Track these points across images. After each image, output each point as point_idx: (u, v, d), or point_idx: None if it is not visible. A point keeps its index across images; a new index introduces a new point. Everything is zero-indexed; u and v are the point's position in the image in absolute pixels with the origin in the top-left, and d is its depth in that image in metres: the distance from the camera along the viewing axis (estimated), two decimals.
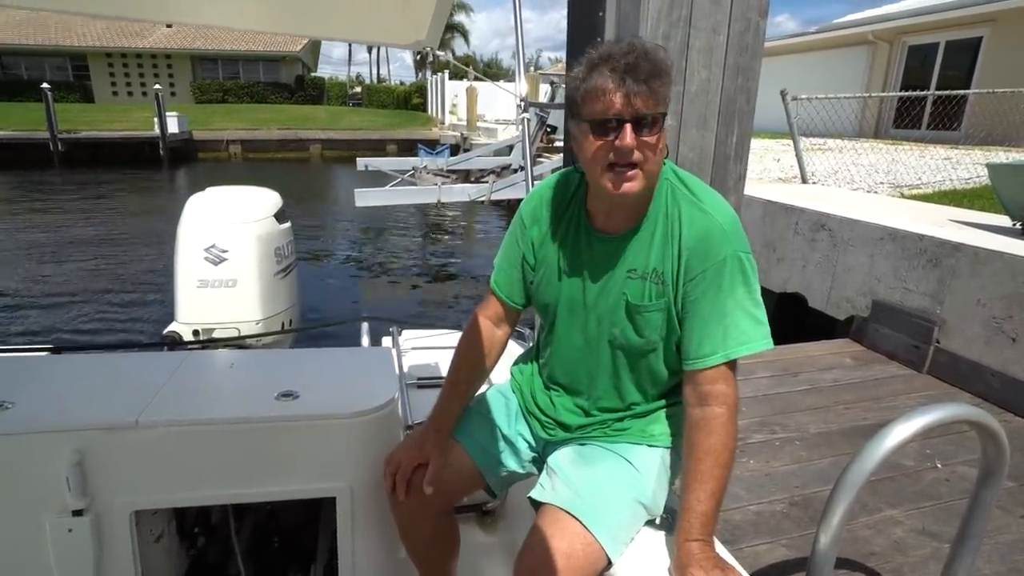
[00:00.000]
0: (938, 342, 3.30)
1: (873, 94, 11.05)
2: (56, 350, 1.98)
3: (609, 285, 1.16)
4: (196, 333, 2.91)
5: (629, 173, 1.04)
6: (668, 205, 1.12)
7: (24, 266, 8.07)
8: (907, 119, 11.43)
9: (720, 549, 1.15)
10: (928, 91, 10.41)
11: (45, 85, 19.36)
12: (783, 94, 5.81)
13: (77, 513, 1.23)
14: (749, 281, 1.09)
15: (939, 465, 2.46)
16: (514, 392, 1.37)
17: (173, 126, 20.76)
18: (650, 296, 1.12)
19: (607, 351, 1.19)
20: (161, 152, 20.33)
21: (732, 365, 1.10)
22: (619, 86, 0.99)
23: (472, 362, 1.32)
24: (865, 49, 13.36)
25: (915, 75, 12.48)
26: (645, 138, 1.02)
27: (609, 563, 1.05)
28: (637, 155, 1.02)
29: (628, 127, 1.00)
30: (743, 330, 1.08)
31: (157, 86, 21.06)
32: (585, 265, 1.18)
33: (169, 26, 26.24)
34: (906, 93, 9.38)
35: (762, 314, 1.11)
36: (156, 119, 20.24)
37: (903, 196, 5.55)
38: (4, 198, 13.79)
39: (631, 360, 1.18)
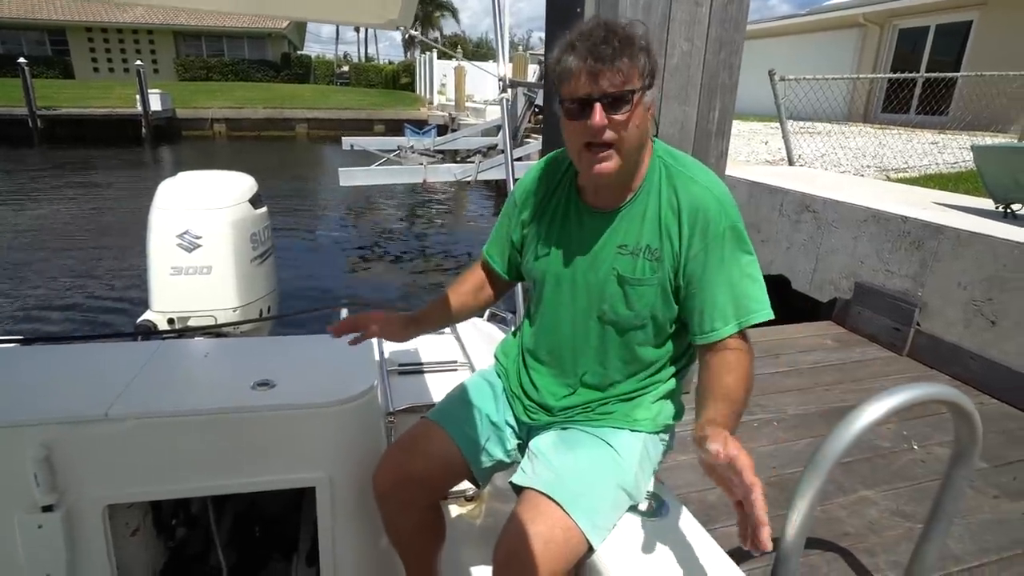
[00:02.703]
0: (919, 324, 3.30)
1: (861, 75, 11.02)
2: (26, 341, 1.94)
3: (599, 259, 1.16)
4: (171, 321, 2.85)
5: (603, 153, 1.04)
6: (661, 181, 1.12)
7: None
8: (896, 103, 11.42)
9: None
10: (916, 74, 10.37)
11: (22, 60, 18.84)
12: (771, 75, 5.76)
13: (47, 509, 1.21)
14: (749, 249, 1.11)
15: (915, 447, 2.47)
16: (499, 376, 1.36)
17: (156, 104, 20.30)
18: (643, 271, 1.12)
19: (596, 326, 1.18)
20: (143, 130, 19.91)
21: (745, 332, 1.10)
22: (586, 66, 1.00)
23: (455, 294, 1.39)
24: (856, 32, 13.30)
25: (905, 59, 12.44)
26: (616, 117, 1.01)
27: (591, 548, 1.04)
28: (610, 134, 1.02)
29: (598, 106, 1.00)
30: (752, 297, 1.09)
31: (139, 62, 20.53)
32: (575, 239, 1.18)
33: None
34: (895, 75, 9.32)
35: (762, 281, 1.12)
36: (138, 96, 19.79)
37: (889, 179, 5.54)
38: None
39: (619, 335, 1.17)
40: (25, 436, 1.18)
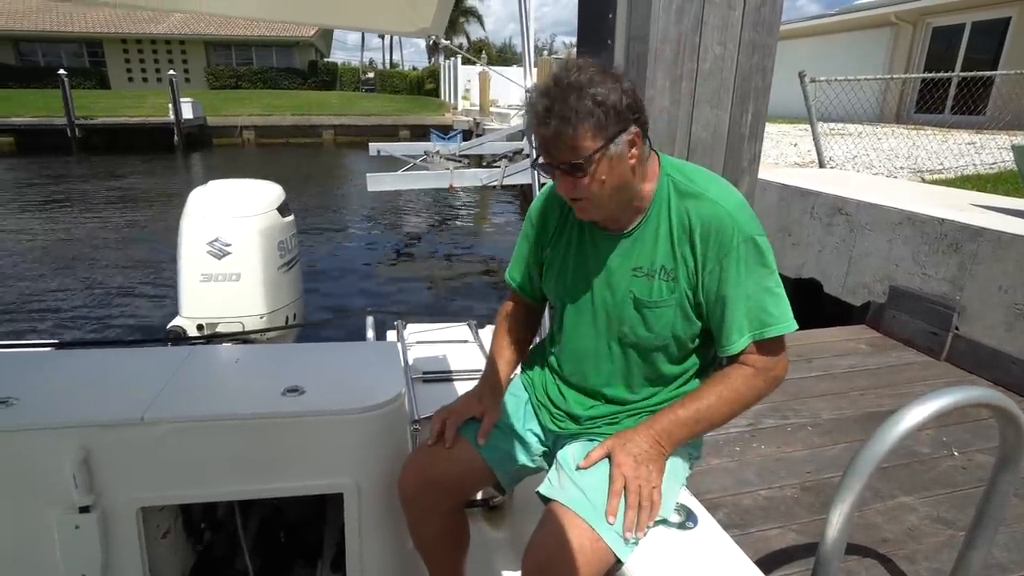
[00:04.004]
0: (957, 329, 3.23)
1: (894, 76, 10.79)
2: (60, 345, 1.97)
3: (615, 283, 1.17)
4: (200, 328, 2.88)
5: (579, 204, 1.10)
6: (671, 200, 1.12)
7: (31, 257, 8.08)
8: (930, 103, 11.15)
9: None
10: (951, 73, 10.12)
11: (62, 71, 19.50)
12: (801, 76, 5.69)
13: (84, 510, 1.23)
14: (767, 262, 1.09)
15: (956, 453, 2.41)
16: (525, 387, 1.37)
17: (188, 112, 20.85)
18: (660, 292, 1.12)
19: (617, 349, 1.19)
20: (176, 138, 20.43)
21: (766, 345, 1.11)
22: (541, 136, 1.04)
23: (508, 335, 1.39)
24: (887, 31, 13.04)
25: (939, 58, 12.15)
26: (576, 180, 1.04)
27: (619, 561, 1.04)
28: (578, 192, 1.06)
29: (558, 173, 1.06)
30: (767, 311, 1.09)
31: (172, 72, 21.11)
32: (591, 264, 1.20)
33: None
34: (929, 75, 9.11)
35: (783, 294, 1.11)
36: (171, 105, 20.34)
37: (924, 181, 5.42)
38: (23, 184, 13.98)
39: (642, 357, 1.18)
40: (65, 438, 1.20)
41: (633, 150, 1.05)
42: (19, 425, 1.21)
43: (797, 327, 1.10)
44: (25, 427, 1.21)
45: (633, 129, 1.03)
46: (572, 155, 1.01)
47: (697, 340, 1.17)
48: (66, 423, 1.22)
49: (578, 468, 1.12)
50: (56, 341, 2.14)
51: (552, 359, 1.31)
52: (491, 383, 1.32)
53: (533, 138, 1.07)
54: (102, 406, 1.29)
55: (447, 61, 30.58)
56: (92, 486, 1.23)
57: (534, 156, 1.15)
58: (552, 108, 0.99)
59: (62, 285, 7.00)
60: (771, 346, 1.11)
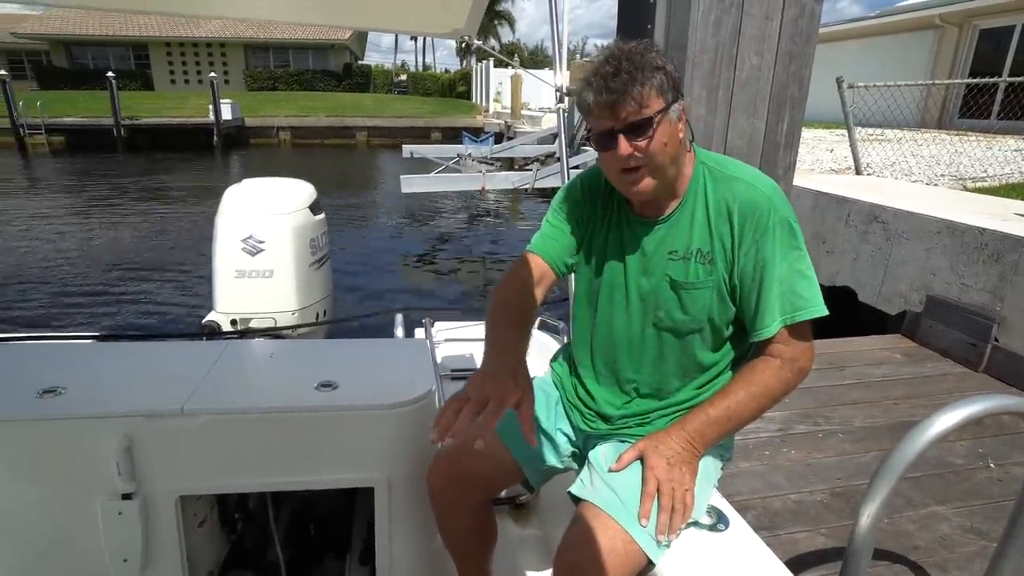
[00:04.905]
0: (996, 340, 3.17)
1: (936, 82, 10.52)
2: (101, 338, 2.01)
3: (651, 267, 1.17)
4: (234, 323, 2.96)
5: (636, 176, 1.08)
6: (706, 186, 1.14)
7: (75, 251, 8.40)
8: (975, 108, 10.81)
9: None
10: (999, 78, 9.81)
11: (110, 74, 20.32)
12: (839, 82, 5.61)
13: (126, 497, 1.27)
14: (800, 245, 1.10)
15: (992, 465, 2.39)
16: (555, 385, 1.37)
17: (227, 113, 21.49)
18: (696, 274, 1.13)
19: (652, 333, 1.19)
20: (215, 139, 21.08)
21: (796, 330, 1.11)
22: (603, 100, 1.04)
23: (511, 303, 1.23)
24: (931, 34, 12.70)
25: (986, 61, 11.78)
26: (640, 142, 1.05)
27: (651, 563, 1.04)
28: (638, 158, 1.06)
29: (621, 138, 1.05)
30: (800, 294, 1.09)
31: (212, 74, 21.77)
32: (627, 249, 1.20)
33: None
34: (974, 80, 8.85)
35: (815, 278, 1.12)
36: (211, 106, 20.97)
37: (965, 189, 5.31)
38: (71, 181, 14.58)
39: (676, 342, 1.18)
40: (110, 427, 1.24)
41: (681, 124, 1.09)
42: (68, 414, 1.26)
43: (827, 313, 1.10)
44: (72, 416, 1.26)
45: (682, 103, 1.08)
46: (638, 113, 1.03)
47: (731, 327, 1.17)
48: (111, 413, 1.26)
49: (610, 470, 1.12)
50: (97, 333, 2.19)
51: (582, 352, 1.30)
52: (517, 354, 1.10)
53: (591, 107, 1.06)
54: (144, 397, 1.33)
55: (479, 64, 30.80)
56: (134, 474, 1.27)
57: (584, 133, 1.16)
58: (620, 68, 1.02)
59: (104, 278, 7.28)
60: (800, 332, 1.11)
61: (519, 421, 0.98)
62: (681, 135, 1.10)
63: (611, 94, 1.03)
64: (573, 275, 1.34)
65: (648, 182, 1.09)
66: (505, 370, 1.03)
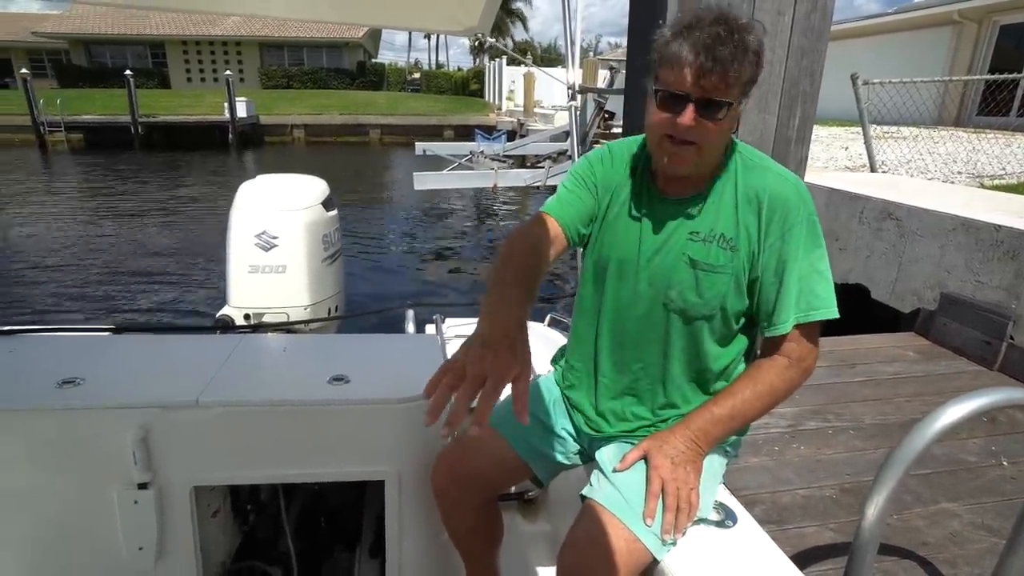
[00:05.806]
0: (1012, 338, 3.14)
1: (954, 78, 10.37)
2: (117, 330, 2.04)
3: (668, 245, 1.13)
4: (247, 317, 2.97)
5: (684, 149, 1.02)
6: (738, 172, 1.11)
7: (92, 245, 8.56)
8: (994, 105, 10.64)
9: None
10: (1019, 74, 9.65)
11: (128, 72, 20.58)
12: (853, 78, 5.56)
13: (142, 486, 1.30)
14: (822, 244, 1.09)
15: (1005, 463, 2.37)
16: (558, 383, 1.37)
17: (242, 111, 21.68)
18: (717, 257, 1.10)
19: (660, 316, 1.15)
20: (230, 136, 21.27)
21: (807, 329, 1.10)
22: (694, 62, 0.95)
23: (520, 259, 1.10)
24: (949, 30, 12.52)
25: (1007, 57, 11.57)
26: (707, 122, 0.99)
27: (656, 561, 1.05)
28: (695, 135, 1.00)
29: (691, 107, 0.98)
30: (817, 294, 1.08)
31: (228, 72, 21.97)
32: (644, 223, 1.15)
33: None
34: (992, 76, 8.71)
35: (831, 278, 1.11)
36: (226, 104, 21.16)
37: (983, 186, 5.24)
38: (89, 177, 14.80)
39: (683, 327, 1.14)
40: (126, 417, 1.26)
41: (738, 115, 1.06)
42: (86, 404, 1.28)
43: (839, 315, 1.10)
44: (90, 406, 1.28)
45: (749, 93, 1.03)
46: (723, 93, 0.97)
47: (741, 321, 1.15)
48: (127, 403, 1.29)
49: (615, 470, 1.12)
50: (114, 326, 2.25)
51: (585, 353, 1.27)
52: (518, 316, 0.95)
53: (676, 58, 0.96)
54: (160, 388, 1.35)
55: (492, 62, 30.81)
56: (150, 464, 1.29)
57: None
58: (731, 36, 0.94)
59: (121, 273, 7.42)
60: (810, 332, 1.10)
61: (513, 396, 0.86)
62: (732, 127, 1.07)
63: (708, 60, 0.94)
64: (580, 261, 1.30)
65: (691, 160, 1.04)
66: (505, 340, 0.89)
